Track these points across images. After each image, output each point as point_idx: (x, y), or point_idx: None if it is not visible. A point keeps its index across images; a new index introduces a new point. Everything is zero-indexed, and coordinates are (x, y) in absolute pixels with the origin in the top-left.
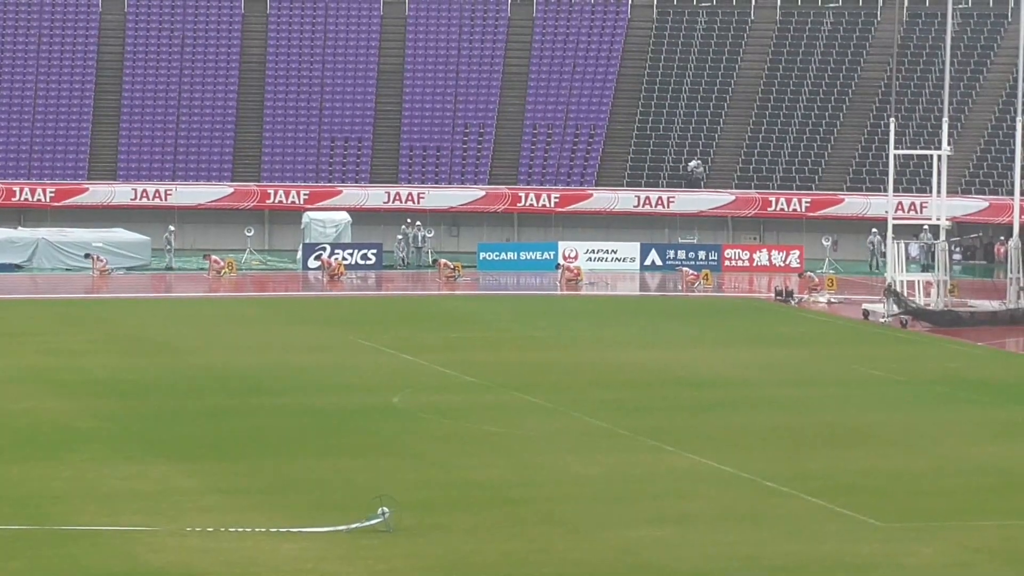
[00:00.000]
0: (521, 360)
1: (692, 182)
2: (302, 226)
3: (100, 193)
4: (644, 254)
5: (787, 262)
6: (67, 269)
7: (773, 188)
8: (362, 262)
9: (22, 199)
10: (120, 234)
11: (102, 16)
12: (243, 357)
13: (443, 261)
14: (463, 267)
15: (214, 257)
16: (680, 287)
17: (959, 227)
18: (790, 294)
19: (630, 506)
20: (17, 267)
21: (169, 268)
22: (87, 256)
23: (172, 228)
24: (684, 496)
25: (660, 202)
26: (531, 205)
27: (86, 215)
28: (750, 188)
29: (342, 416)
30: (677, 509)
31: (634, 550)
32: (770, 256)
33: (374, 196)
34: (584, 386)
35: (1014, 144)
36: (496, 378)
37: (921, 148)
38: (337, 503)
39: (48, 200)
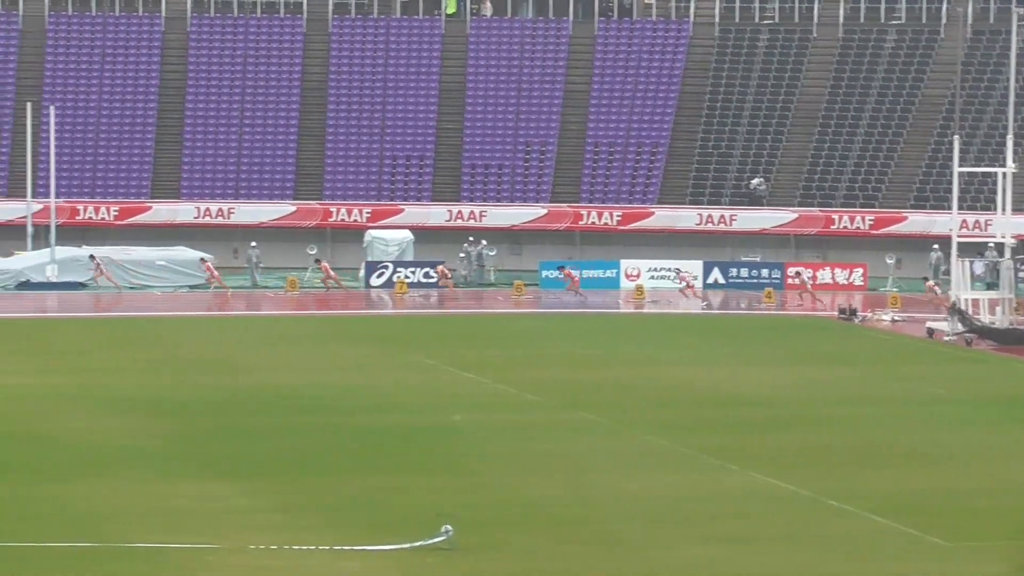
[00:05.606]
0: (582, 378)
1: (755, 200)
2: (364, 244)
3: (163, 212)
4: (706, 272)
5: (850, 280)
6: (130, 288)
7: (836, 206)
8: (424, 280)
9: (86, 218)
10: (183, 252)
11: (165, 36)
12: (304, 376)
13: (441, 268)
14: (525, 285)
15: (207, 264)
16: (743, 305)
17: None
18: (854, 312)
19: (689, 525)
20: (81, 285)
21: (255, 286)
22: (91, 257)
23: (254, 244)
24: (744, 515)
25: (722, 220)
26: (593, 223)
27: (149, 234)
28: (813, 206)
29: (403, 435)
30: (737, 528)
31: (693, 570)
32: (833, 274)
33: (436, 214)
34: (645, 405)
35: None
36: (557, 397)
37: (985, 165)
38: (398, 522)
39: (112, 219)
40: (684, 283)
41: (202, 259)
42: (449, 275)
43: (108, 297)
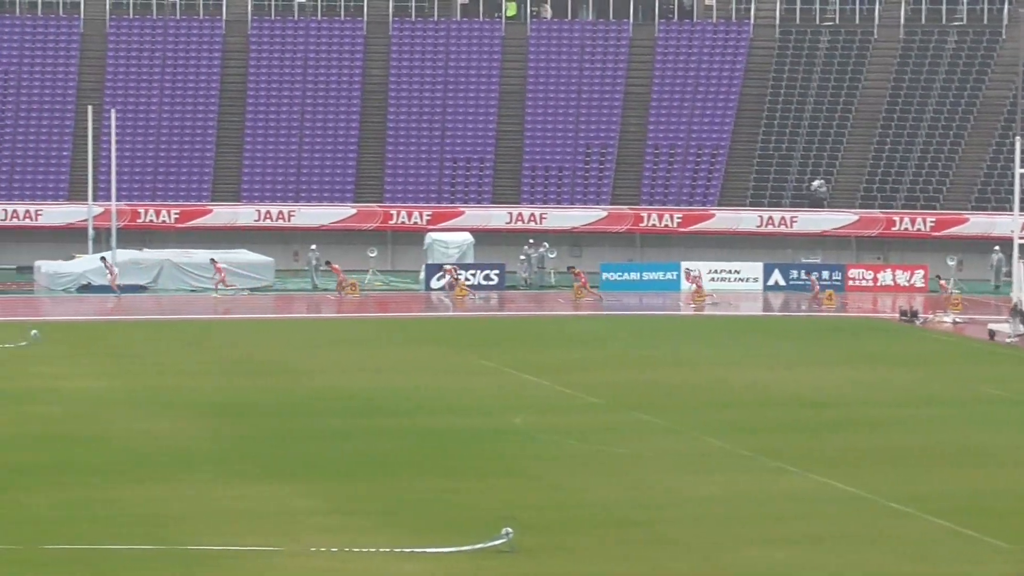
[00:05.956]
0: (642, 380)
1: (815, 202)
2: (425, 247)
3: (224, 215)
4: (767, 274)
5: (911, 282)
6: (191, 290)
7: (897, 207)
8: (484, 282)
9: (147, 221)
10: (244, 255)
11: (225, 39)
12: (364, 378)
13: (448, 267)
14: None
15: (218, 264)
16: (803, 307)
17: None
18: (915, 314)
19: (750, 527)
20: (142, 288)
21: (315, 288)
22: (102, 259)
23: (314, 247)
24: (804, 517)
25: (783, 222)
26: (653, 225)
27: (210, 236)
28: (874, 208)
29: (464, 437)
30: (797, 530)
31: (753, 571)
32: (894, 276)
33: (496, 216)
34: (705, 406)
35: None
36: (617, 398)
37: None
38: (458, 524)
39: (172, 222)
40: (694, 284)
41: (212, 260)
42: (458, 277)
43: (169, 300)
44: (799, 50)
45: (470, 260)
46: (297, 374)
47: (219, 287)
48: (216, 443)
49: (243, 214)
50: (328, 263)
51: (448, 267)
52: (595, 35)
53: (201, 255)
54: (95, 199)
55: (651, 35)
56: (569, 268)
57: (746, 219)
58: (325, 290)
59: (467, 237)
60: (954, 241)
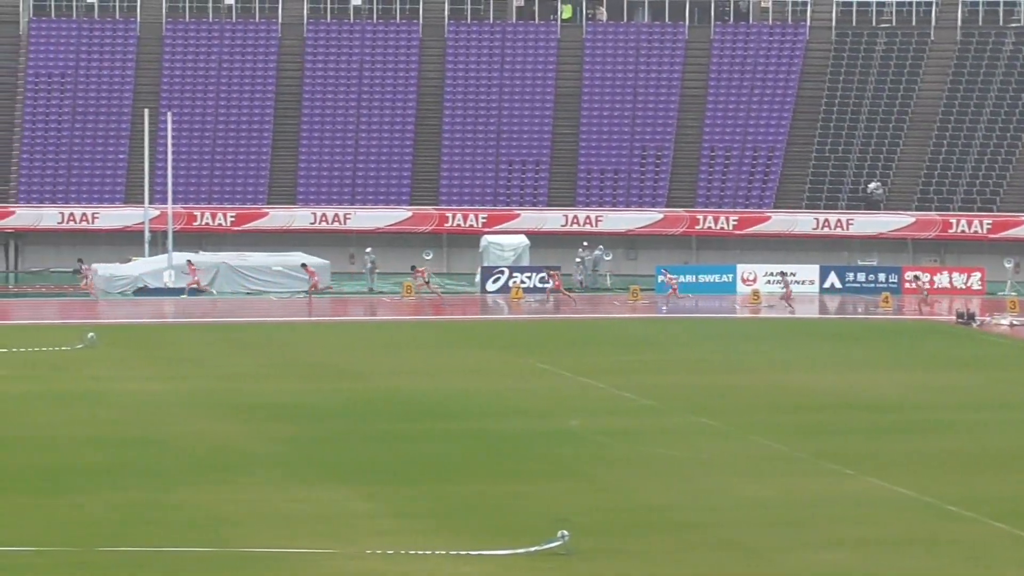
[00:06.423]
0: (698, 383)
1: (871, 204)
2: (480, 249)
3: (280, 217)
4: (823, 277)
5: (968, 284)
6: (247, 293)
7: (954, 210)
8: (540, 285)
9: (203, 223)
10: (299, 258)
11: (281, 42)
12: (419, 381)
13: (420, 268)
14: (641, 290)
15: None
16: (860, 309)
17: None
18: (972, 317)
19: (807, 530)
20: (198, 291)
21: (371, 291)
22: (79, 261)
23: (369, 250)
24: (863, 520)
25: (839, 224)
26: (709, 228)
27: (266, 239)
28: (930, 210)
29: (519, 440)
30: (855, 533)
31: (812, 574)
32: (951, 278)
33: (552, 219)
34: (761, 409)
35: None
36: (673, 401)
37: None
38: (514, 526)
39: (229, 224)
40: (670, 287)
41: (188, 261)
42: (428, 280)
43: (226, 303)
44: (855, 52)
45: (525, 263)
46: (353, 377)
47: (191, 286)
48: (273, 446)
49: (299, 217)
50: (303, 266)
51: (420, 268)
52: (651, 37)
53: (257, 258)
54: (151, 202)
55: (707, 37)
56: (413, 267)
57: (802, 221)
58: (381, 292)
59: (522, 240)
60: (1011, 243)
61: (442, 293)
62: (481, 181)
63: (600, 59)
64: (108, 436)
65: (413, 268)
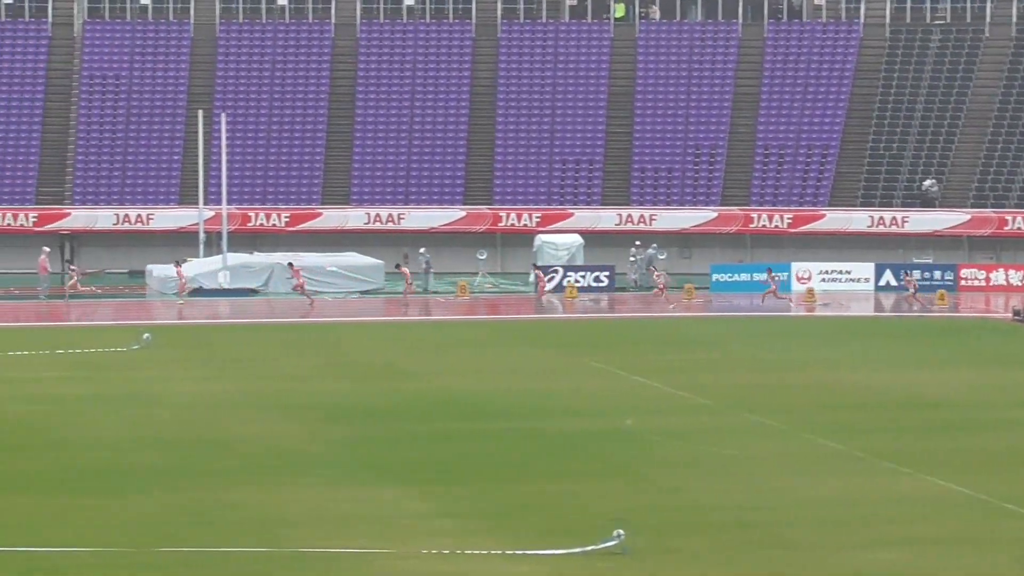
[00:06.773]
0: (753, 382)
1: (927, 201)
2: (534, 248)
3: (334, 218)
4: (879, 274)
5: None
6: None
7: (1009, 207)
8: (594, 284)
9: (257, 224)
10: (353, 258)
11: (335, 42)
12: (473, 381)
13: (403, 268)
14: (695, 288)
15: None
16: (915, 307)
17: None
18: None
19: (864, 529)
20: (253, 292)
21: (425, 291)
22: (67, 261)
23: (423, 250)
24: (919, 519)
25: (894, 222)
26: (764, 226)
27: (320, 240)
28: (986, 207)
29: (573, 439)
30: (912, 532)
31: (867, 574)
32: (1007, 276)
33: (606, 218)
34: (817, 408)
35: None
36: (728, 400)
37: None
38: (569, 526)
39: (283, 225)
40: (657, 285)
41: (290, 264)
42: (410, 279)
43: (280, 304)
44: (910, 49)
45: (580, 262)
46: (407, 377)
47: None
48: (327, 446)
49: (353, 217)
50: (290, 264)
51: (403, 268)
52: (704, 36)
53: (311, 258)
54: (206, 203)
55: (760, 35)
56: (396, 265)
57: (857, 219)
58: (435, 292)
59: (576, 239)
60: None
61: (434, 293)
62: (535, 180)
63: (653, 57)
64: (164, 437)
65: (397, 266)
